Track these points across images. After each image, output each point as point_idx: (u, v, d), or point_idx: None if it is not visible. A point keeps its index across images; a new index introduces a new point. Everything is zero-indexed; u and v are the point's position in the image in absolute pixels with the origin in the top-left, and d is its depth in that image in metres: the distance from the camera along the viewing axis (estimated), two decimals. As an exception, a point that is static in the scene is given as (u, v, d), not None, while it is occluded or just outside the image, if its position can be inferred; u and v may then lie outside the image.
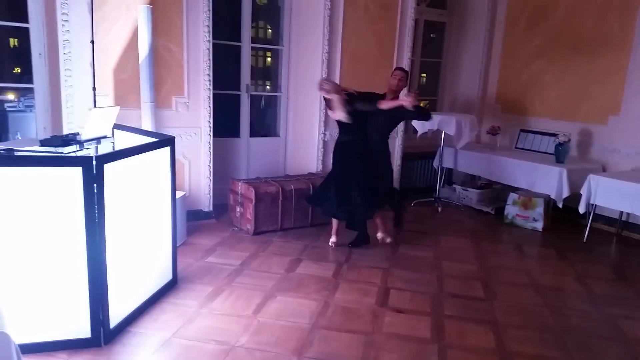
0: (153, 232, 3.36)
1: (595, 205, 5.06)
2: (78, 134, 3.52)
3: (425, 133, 6.22)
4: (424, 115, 4.74)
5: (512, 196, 5.69)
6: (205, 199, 5.10)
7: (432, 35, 7.24)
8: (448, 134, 6.05)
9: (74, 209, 2.63)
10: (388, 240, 4.76)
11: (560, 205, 5.31)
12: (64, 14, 4.10)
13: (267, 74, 6.38)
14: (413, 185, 6.84)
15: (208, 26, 4.75)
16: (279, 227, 4.96)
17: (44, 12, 4.26)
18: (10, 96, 5.22)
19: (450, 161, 6.50)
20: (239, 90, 5.62)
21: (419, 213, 6.02)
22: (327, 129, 5.69)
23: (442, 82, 7.35)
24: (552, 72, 6.19)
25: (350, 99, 4.28)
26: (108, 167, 2.70)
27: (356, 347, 2.96)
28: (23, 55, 4.58)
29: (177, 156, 3.76)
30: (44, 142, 3.22)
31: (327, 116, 5.40)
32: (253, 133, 5.84)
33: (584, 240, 5.17)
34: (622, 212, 5.32)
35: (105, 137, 3.64)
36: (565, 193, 5.23)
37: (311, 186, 5.05)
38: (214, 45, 4.86)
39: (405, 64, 6.09)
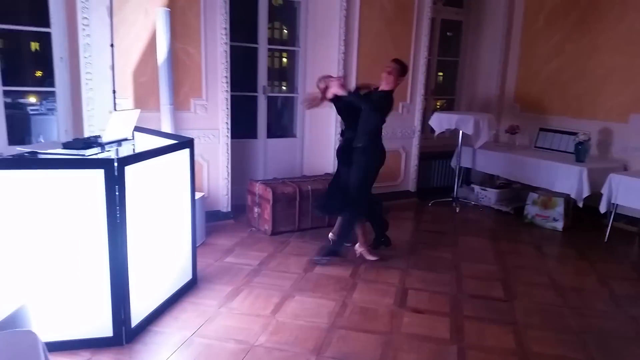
0: (173, 233, 3.40)
1: (617, 204, 4.98)
2: (99, 136, 3.57)
3: (443, 132, 6.19)
4: (357, 103, 4.09)
5: (532, 196, 5.64)
6: (223, 200, 5.14)
7: (448, 33, 7.19)
8: (466, 133, 6.01)
9: (96, 210, 2.68)
10: (368, 257, 4.30)
11: (581, 205, 5.24)
12: (84, 18, 4.16)
13: (283, 74, 6.41)
14: (430, 185, 6.82)
15: (225, 28, 4.79)
16: (297, 228, 4.98)
17: (65, 17, 4.33)
18: (33, 99, 5.33)
19: (469, 161, 6.46)
20: (256, 91, 5.65)
21: (437, 213, 5.99)
22: (344, 129, 5.69)
23: (460, 81, 7.30)
24: (572, 70, 6.11)
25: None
26: (129, 169, 2.75)
27: (374, 347, 2.97)
28: (45, 59, 4.67)
29: (195, 158, 3.81)
30: (66, 145, 3.27)
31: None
32: (270, 134, 5.87)
33: (605, 239, 5.09)
34: (644, 212, 5.23)
35: (126, 139, 3.69)
36: (586, 192, 5.17)
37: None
38: (230, 47, 4.90)
39: (422, 63, 6.08)
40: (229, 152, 5.06)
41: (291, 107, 6.05)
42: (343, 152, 4.32)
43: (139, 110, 3.83)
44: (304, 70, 5.83)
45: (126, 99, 4.48)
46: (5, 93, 4.39)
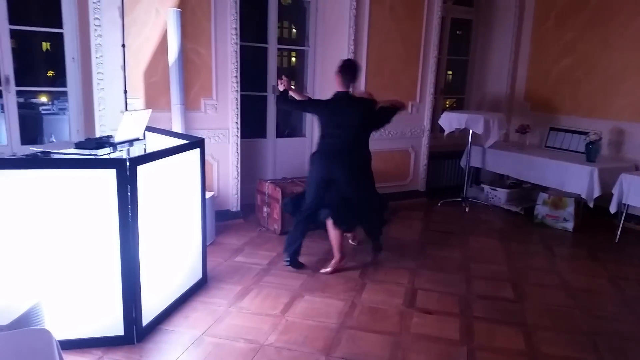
0: (184, 232, 3.43)
1: (628, 205, 4.95)
2: (111, 136, 3.61)
3: (453, 132, 6.17)
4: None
5: (542, 196, 5.61)
6: (233, 199, 5.17)
7: (458, 32, 7.17)
8: (476, 132, 5.99)
9: (108, 210, 2.71)
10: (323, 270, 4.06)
11: (591, 205, 5.21)
12: (96, 18, 4.20)
13: (291, 74, 6.42)
14: (440, 185, 6.80)
15: (235, 29, 4.81)
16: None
17: (77, 18, 4.38)
18: (44, 99, 5.39)
19: (478, 160, 6.43)
20: (265, 91, 5.67)
21: (446, 213, 5.98)
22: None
23: (470, 80, 7.27)
24: (583, 69, 6.06)
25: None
26: (141, 169, 2.77)
27: (383, 347, 2.97)
28: (56, 59, 4.72)
29: (205, 157, 3.83)
30: (78, 145, 3.31)
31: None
32: (279, 133, 5.89)
33: (616, 240, 5.06)
34: (656, 212, 5.20)
35: (137, 139, 3.73)
36: (597, 193, 5.13)
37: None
38: (240, 47, 4.92)
39: (432, 62, 6.07)
40: (239, 151, 5.08)
41: (300, 107, 6.06)
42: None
43: (150, 111, 3.86)
44: (313, 70, 5.84)
45: (137, 98, 4.51)
46: (18, 93, 4.44)
